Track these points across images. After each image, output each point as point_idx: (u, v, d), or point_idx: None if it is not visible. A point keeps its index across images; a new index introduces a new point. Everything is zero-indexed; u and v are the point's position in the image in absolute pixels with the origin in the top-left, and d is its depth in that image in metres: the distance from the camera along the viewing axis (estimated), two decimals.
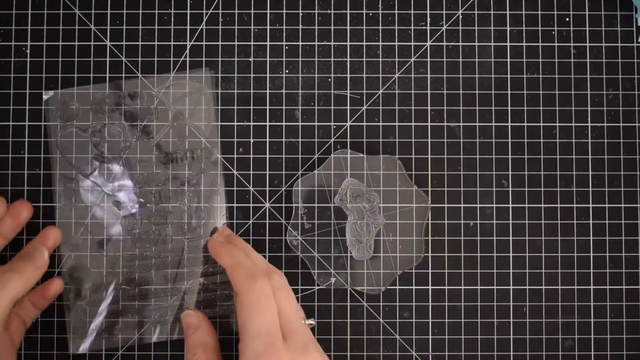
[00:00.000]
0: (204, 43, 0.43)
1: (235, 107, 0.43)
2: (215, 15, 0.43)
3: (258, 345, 0.34)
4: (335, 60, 0.43)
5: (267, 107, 0.43)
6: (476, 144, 0.43)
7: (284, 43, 0.43)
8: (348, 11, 0.43)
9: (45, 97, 0.42)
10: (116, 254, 0.42)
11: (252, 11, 0.43)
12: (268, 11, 0.43)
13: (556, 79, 0.43)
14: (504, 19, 0.43)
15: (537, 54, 0.43)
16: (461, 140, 0.43)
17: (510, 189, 0.42)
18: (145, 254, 0.42)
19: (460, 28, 0.43)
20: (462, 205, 0.42)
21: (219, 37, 0.43)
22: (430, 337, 0.42)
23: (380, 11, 0.43)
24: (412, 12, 0.43)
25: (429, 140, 0.43)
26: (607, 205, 0.42)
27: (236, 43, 0.43)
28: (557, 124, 0.43)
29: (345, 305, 0.42)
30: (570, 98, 0.43)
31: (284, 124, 0.43)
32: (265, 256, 0.42)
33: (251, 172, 0.42)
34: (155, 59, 0.42)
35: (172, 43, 0.43)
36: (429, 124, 0.43)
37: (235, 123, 0.42)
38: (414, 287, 0.42)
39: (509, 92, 0.43)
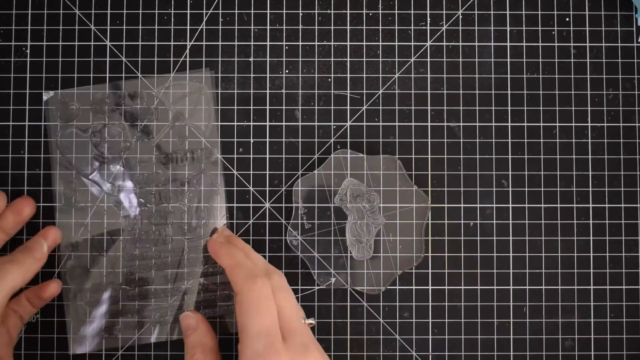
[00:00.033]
0: (204, 43, 0.43)
1: (235, 107, 0.43)
2: (215, 15, 0.43)
3: (257, 345, 0.34)
4: (335, 60, 0.43)
5: (267, 107, 0.43)
6: (476, 144, 0.43)
7: (284, 43, 0.43)
8: (348, 11, 0.43)
9: (45, 97, 0.42)
10: (116, 254, 0.42)
11: (252, 11, 0.43)
12: (268, 11, 0.43)
13: (556, 79, 0.43)
14: (504, 19, 0.43)
15: (537, 54, 0.43)
16: (461, 140, 0.43)
17: (510, 189, 0.42)
18: (145, 254, 0.42)
19: (460, 28, 0.43)
20: (462, 205, 0.42)
21: (219, 37, 0.43)
22: (430, 337, 0.42)
23: (380, 11, 0.43)
24: (412, 12, 0.43)
25: (429, 140, 0.43)
26: (607, 205, 0.42)
27: (236, 43, 0.43)
28: (557, 124, 0.43)
29: (345, 305, 0.42)
30: (570, 98, 0.43)
31: (284, 124, 0.43)
32: (265, 256, 0.42)
33: (251, 172, 0.42)
34: (155, 59, 0.42)
35: (172, 43, 0.43)
36: (429, 124, 0.43)
37: (235, 123, 0.42)
38: (414, 287, 0.42)
39: (509, 92, 0.43)
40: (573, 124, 0.43)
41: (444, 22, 0.43)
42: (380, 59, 0.43)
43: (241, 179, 0.42)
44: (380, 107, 0.43)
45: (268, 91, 0.43)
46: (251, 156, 0.42)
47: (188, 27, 0.43)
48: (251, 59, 0.43)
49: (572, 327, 0.42)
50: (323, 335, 0.42)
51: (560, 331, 0.42)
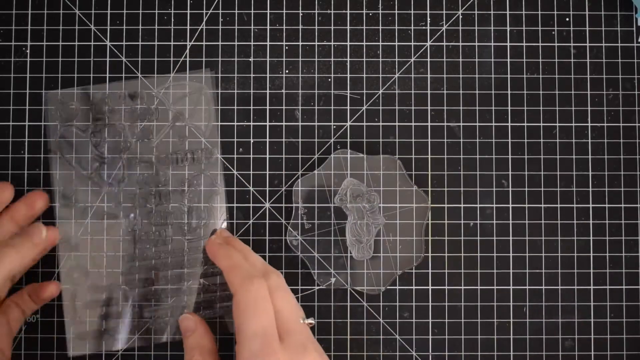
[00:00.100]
0: (204, 43, 0.43)
1: (235, 107, 0.43)
2: (215, 15, 0.43)
3: (254, 346, 0.34)
4: (335, 60, 0.43)
5: (267, 107, 0.43)
6: (476, 144, 0.43)
7: (284, 43, 0.43)
8: (348, 11, 0.43)
9: (45, 97, 0.42)
10: (116, 254, 0.42)
11: (252, 11, 0.43)
12: (268, 11, 0.43)
13: (556, 79, 0.43)
14: (504, 19, 0.43)
15: (537, 54, 0.43)
16: (461, 140, 0.43)
17: (510, 189, 0.42)
18: (145, 254, 0.42)
19: (460, 28, 0.43)
20: (462, 205, 0.42)
21: (219, 37, 0.43)
22: (430, 337, 0.42)
23: (380, 11, 0.43)
24: (412, 12, 0.43)
25: (429, 140, 0.43)
26: (607, 205, 0.42)
27: (236, 43, 0.43)
28: (557, 124, 0.43)
29: (345, 305, 0.42)
30: (570, 98, 0.43)
31: (284, 124, 0.43)
32: (265, 256, 0.42)
33: (251, 172, 0.42)
34: (155, 59, 0.42)
35: (172, 43, 0.43)
36: (429, 124, 0.43)
37: (235, 123, 0.42)
38: (414, 287, 0.42)
39: (509, 92, 0.43)
40: (573, 124, 0.43)
41: (444, 22, 0.43)
42: (380, 59, 0.43)
43: (241, 179, 0.42)
44: (380, 107, 0.43)
45: (268, 91, 0.43)
46: (251, 156, 0.42)
47: (188, 27, 0.43)
48: (251, 59, 0.43)
49: (572, 327, 0.42)
50: (323, 335, 0.42)
51: (560, 331, 0.42)
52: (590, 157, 0.43)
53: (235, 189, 0.42)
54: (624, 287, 0.42)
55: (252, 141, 0.42)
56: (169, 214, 0.42)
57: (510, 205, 0.42)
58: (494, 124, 0.43)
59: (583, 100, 0.43)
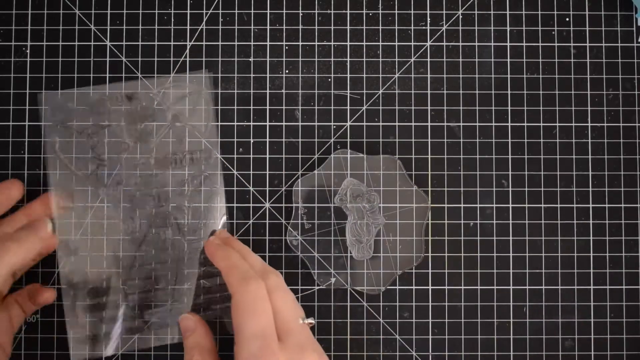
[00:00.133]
0: (204, 43, 0.43)
1: (235, 107, 0.43)
2: (215, 15, 0.43)
3: (253, 347, 0.34)
4: (335, 60, 0.43)
5: (267, 107, 0.43)
6: (476, 144, 0.43)
7: (284, 43, 0.43)
8: (348, 11, 0.43)
9: (44, 97, 0.42)
10: (116, 255, 0.42)
11: (252, 11, 0.43)
12: (268, 11, 0.43)
13: (556, 79, 0.43)
14: (504, 19, 0.43)
15: (537, 54, 0.43)
16: (461, 140, 0.43)
17: (510, 189, 0.42)
18: (145, 255, 0.42)
19: (460, 28, 0.43)
20: (462, 205, 0.42)
21: (219, 37, 0.43)
22: (430, 337, 0.42)
23: (380, 11, 0.43)
24: (412, 12, 0.43)
25: (429, 140, 0.43)
26: (607, 205, 0.42)
27: (236, 43, 0.43)
28: (557, 124, 0.43)
29: (345, 305, 0.42)
30: (570, 98, 0.43)
31: (284, 124, 0.43)
32: (265, 256, 0.42)
33: (251, 172, 0.42)
34: (155, 59, 0.42)
35: (172, 43, 0.43)
36: (429, 124, 0.43)
37: (235, 123, 0.42)
38: (414, 287, 0.42)
39: (509, 92, 0.43)
40: (573, 124, 0.43)
41: (444, 22, 0.43)
42: (380, 59, 0.43)
43: (241, 179, 0.42)
44: (380, 107, 0.43)
45: (268, 91, 0.43)
46: (251, 156, 0.42)
47: (188, 27, 0.43)
48: (251, 59, 0.43)
49: (572, 327, 0.42)
50: (323, 335, 0.42)
51: (560, 331, 0.42)
52: (590, 157, 0.43)
53: (235, 189, 0.42)
54: (624, 287, 0.42)
55: (252, 141, 0.42)
56: (168, 215, 0.42)
57: (510, 205, 0.42)
58: (494, 124, 0.43)
59: (583, 100, 0.43)
